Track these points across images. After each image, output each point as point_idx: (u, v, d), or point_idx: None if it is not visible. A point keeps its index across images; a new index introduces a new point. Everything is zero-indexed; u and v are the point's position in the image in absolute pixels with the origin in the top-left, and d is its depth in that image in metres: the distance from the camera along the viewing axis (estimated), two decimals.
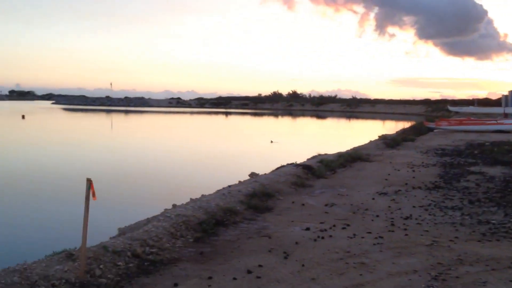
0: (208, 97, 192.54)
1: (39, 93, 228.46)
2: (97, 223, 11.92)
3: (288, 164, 18.58)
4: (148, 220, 10.09)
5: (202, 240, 8.95)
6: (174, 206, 11.66)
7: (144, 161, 26.39)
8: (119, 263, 7.14)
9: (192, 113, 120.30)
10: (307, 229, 9.75)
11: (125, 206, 14.84)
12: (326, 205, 12.20)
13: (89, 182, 6.41)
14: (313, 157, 22.10)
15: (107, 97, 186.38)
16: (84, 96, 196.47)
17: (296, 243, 8.76)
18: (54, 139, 39.72)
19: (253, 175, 17.64)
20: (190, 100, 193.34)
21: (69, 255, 6.80)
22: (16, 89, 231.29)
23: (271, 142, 40.72)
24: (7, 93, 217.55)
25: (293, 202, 12.54)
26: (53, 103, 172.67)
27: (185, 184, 19.09)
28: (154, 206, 13.74)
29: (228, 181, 16.91)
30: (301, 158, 23.01)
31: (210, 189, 15.08)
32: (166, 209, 11.66)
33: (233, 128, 66.80)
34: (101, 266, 6.86)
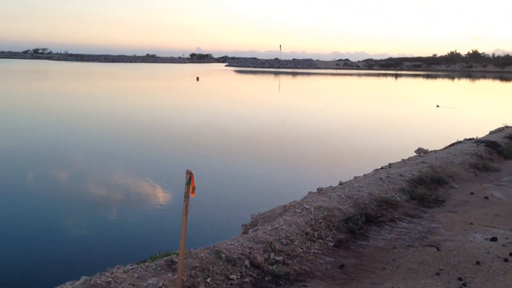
0: (378, 58, 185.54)
1: (215, 56, 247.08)
2: (233, 203, 10.67)
3: (465, 140, 15.31)
4: (285, 209, 8.41)
5: (346, 244, 6.94)
6: (318, 190, 9.82)
7: (292, 131, 24.92)
8: (232, 276, 5.56)
9: (359, 75, 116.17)
10: (493, 239, 7.07)
11: (264, 186, 13.21)
12: None
13: (189, 175, 4.83)
14: (499, 130, 18.27)
15: (276, 59, 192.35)
16: (254, 58, 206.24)
17: (478, 263, 6.24)
18: (219, 102, 40.62)
19: (420, 151, 14.85)
20: (358, 61, 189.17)
21: (170, 263, 5.40)
22: (196, 52, 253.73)
23: (437, 106, 36.52)
24: (188, 56, 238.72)
25: (472, 193, 9.73)
26: (226, 65, 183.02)
27: (335, 160, 16.99)
28: (297, 187, 12.06)
29: (388, 157, 14.46)
30: (481, 131, 19.25)
31: (365, 168, 12.92)
32: (310, 193, 9.91)
33: (400, 90, 62.01)
34: (208, 280, 5.35)
